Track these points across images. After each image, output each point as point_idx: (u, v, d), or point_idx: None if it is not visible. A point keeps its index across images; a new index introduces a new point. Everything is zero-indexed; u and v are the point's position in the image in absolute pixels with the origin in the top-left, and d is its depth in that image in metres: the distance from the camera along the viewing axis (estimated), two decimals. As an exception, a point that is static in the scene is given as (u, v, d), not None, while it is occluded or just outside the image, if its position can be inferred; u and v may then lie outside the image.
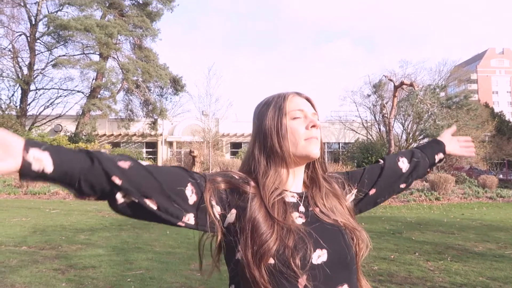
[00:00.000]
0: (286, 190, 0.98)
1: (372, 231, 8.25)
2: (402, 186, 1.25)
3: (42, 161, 0.74)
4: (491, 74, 78.41)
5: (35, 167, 0.73)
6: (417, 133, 23.63)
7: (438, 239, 7.40)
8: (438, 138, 1.38)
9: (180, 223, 0.88)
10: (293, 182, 1.01)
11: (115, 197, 0.81)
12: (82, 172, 0.77)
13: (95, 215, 10.18)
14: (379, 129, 26.43)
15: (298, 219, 0.94)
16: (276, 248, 0.85)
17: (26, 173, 0.73)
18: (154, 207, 0.84)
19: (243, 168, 1.03)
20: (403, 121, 25.06)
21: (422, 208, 13.11)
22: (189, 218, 0.89)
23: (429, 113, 21.60)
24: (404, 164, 1.24)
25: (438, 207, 13.36)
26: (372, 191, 1.16)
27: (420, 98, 20.33)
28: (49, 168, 0.74)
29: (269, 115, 1.00)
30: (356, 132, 26.93)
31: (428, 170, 1.31)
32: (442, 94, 29.74)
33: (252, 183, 0.95)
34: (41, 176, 0.75)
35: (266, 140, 0.99)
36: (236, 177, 0.95)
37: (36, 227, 8.15)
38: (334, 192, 1.06)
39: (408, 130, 24.65)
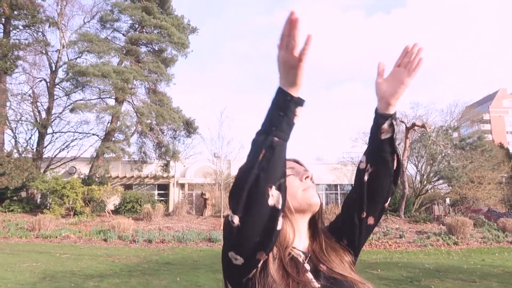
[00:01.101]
0: (294, 248, 0.98)
1: (389, 278, 7.96)
2: (363, 215, 1.04)
3: (297, 118, 0.84)
4: (504, 114, 77.87)
5: (298, 112, 0.84)
6: (431, 174, 23.25)
7: (459, 288, 7.08)
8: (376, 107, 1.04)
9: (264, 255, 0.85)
10: (299, 240, 1.01)
11: (269, 193, 0.80)
12: (277, 153, 0.81)
13: (105, 260, 10.07)
14: (392, 170, 26.13)
15: (312, 280, 0.93)
16: None
17: (295, 102, 0.83)
18: (279, 227, 0.84)
19: None
20: (417, 163, 24.78)
21: (440, 253, 12.66)
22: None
23: (443, 154, 21.37)
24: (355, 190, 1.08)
25: (457, 252, 12.89)
26: (344, 242, 1.06)
27: (432, 140, 20.21)
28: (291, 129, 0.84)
29: None
30: (369, 173, 26.66)
31: (394, 156, 1.01)
32: (455, 135, 29.55)
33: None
34: (290, 118, 0.83)
35: None
36: None
37: (46, 273, 8.07)
38: (334, 246, 1.05)
39: (422, 172, 24.28)
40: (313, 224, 1.06)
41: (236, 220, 0.81)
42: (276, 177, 0.81)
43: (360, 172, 1.05)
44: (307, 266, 0.96)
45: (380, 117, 1.01)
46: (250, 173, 0.80)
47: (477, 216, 18.38)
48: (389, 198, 1.06)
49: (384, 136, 1.00)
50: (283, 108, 0.82)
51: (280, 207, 0.82)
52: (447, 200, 25.04)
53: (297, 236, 1.00)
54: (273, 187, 0.81)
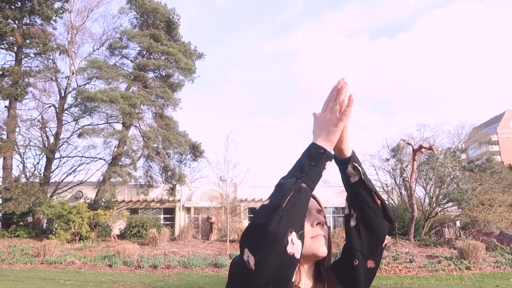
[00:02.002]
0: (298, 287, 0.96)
1: (400, 305, 7.71)
2: (356, 262, 1.00)
3: (325, 171, 0.90)
4: (512, 136, 77.26)
5: (327, 165, 0.90)
6: (440, 197, 22.89)
7: (473, 316, 6.84)
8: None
9: None
10: (305, 283, 0.99)
11: (289, 238, 0.81)
12: (302, 199, 0.85)
13: (110, 287, 9.91)
14: (401, 193, 25.79)
15: None
16: None
17: (327, 156, 0.90)
18: (293, 279, 0.86)
19: None
20: (425, 185, 24.46)
21: (452, 278, 12.31)
22: None
23: (451, 176, 21.10)
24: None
25: (470, 277, 12.53)
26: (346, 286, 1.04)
27: (440, 162, 20.00)
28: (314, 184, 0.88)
29: None
30: (377, 196, 26.31)
31: (372, 195, 1.00)
32: (463, 156, 29.24)
33: None
34: (320, 169, 0.89)
35: None
36: None
37: (49, 300, 7.95)
38: (337, 287, 1.03)
39: (431, 194, 23.93)
40: (318, 265, 1.04)
41: (252, 261, 0.79)
42: (297, 223, 0.81)
43: (346, 219, 1.05)
44: None
45: (341, 164, 1.02)
46: (273, 214, 0.80)
47: (489, 240, 17.95)
48: (388, 237, 1.03)
49: (354, 180, 1.00)
50: (315, 159, 0.88)
51: (298, 257, 0.81)
52: (458, 223, 24.56)
53: (302, 279, 0.98)
54: (294, 233, 0.80)
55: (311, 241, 0.96)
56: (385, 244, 1.04)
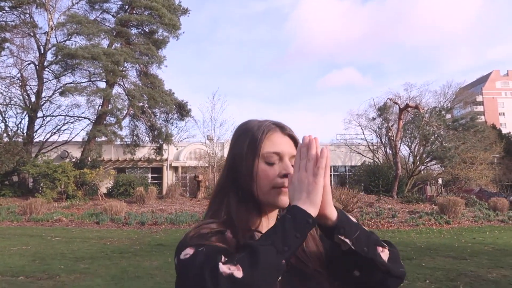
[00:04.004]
0: (259, 232, 0.87)
1: (381, 257, 7.98)
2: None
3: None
4: (496, 96, 78.24)
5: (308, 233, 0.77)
6: (424, 155, 23.36)
7: (450, 265, 7.13)
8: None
9: None
10: (268, 222, 0.92)
11: None
12: (275, 280, 0.73)
13: (97, 242, 10.02)
14: (386, 151, 26.22)
15: None
16: None
17: (313, 225, 0.76)
18: None
19: (213, 205, 0.93)
20: (410, 144, 24.86)
21: (432, 232, 12.77)
22: None
23: (436, 135, 21.43)
24: None
25: (448, 231, 13.01)
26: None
27: (426, 121, 20.21)
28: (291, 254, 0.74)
29: (243, 152, 0.90)
30: (363, 155, 26.71)
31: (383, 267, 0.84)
32: (448, 116, 29.60)
33: (228, 233, 0.84)
34: (303, 241, 0.77)
35: (236, 177, 0.91)
36: (209, 234, 0.82)
37: (35, 256, 8.01)
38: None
39: (415, 153, 24.40)
40: None
41: None
42: None
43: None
44: None
45: (326, 234, 0.85)
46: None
47: (468, 196, 18.56)
48: None
49: (345, 248, 0.82)
50: (301, 230, 0.74)
51: None
52: (440, 181, 25.27)
53: (264, 218, 0.91)
54: None
55: (273, 192, 0.88)
56: None
